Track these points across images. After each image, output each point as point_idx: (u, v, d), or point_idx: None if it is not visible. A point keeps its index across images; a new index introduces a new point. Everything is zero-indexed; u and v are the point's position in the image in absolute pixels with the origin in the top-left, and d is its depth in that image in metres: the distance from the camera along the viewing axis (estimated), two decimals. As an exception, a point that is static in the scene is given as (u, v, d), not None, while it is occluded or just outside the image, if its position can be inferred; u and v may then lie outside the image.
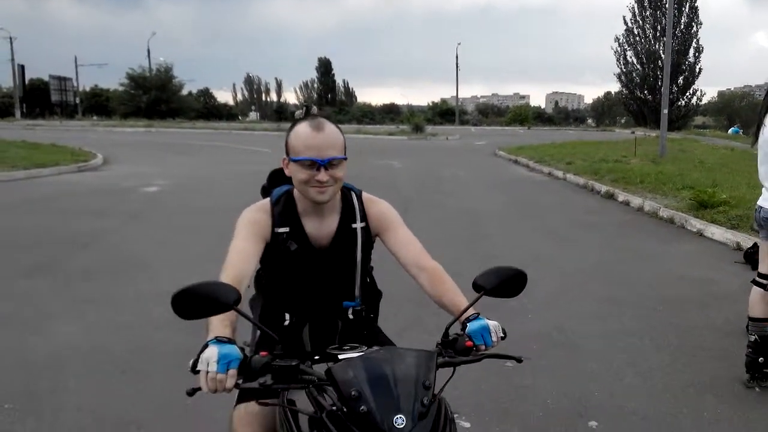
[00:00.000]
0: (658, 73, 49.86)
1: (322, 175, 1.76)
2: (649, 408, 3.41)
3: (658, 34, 48.67)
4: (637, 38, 50.19)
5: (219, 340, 1.44)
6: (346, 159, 1.81)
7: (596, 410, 3.38)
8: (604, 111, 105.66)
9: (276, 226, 1.87)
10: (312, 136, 1.76)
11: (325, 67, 79.92)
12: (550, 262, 6.54)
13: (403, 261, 1.94)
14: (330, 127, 1.80)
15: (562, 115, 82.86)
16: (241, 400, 1.88)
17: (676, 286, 5.78)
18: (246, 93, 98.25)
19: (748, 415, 3.34)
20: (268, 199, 1.94)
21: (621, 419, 3.30)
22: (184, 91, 49.33)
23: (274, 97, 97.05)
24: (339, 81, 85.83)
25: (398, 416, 1.27)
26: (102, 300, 5.16)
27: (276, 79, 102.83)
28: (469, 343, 1.57)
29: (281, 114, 52.68)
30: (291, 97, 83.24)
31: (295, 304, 1.96)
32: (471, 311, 1.66)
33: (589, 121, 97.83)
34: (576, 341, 4.40)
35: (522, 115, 55.21)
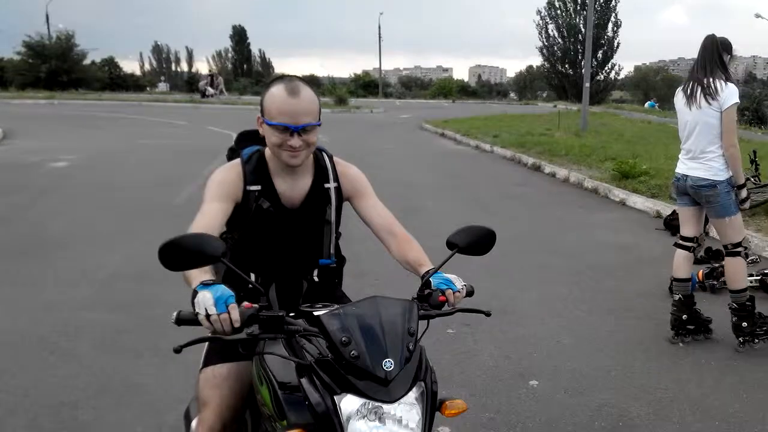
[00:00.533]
0: (579, 47, 51.70)
1: (295, 141, 1.81)
2: (585, 366, 3.69)
3: (578, 7, 50.25)
4: (559, 11, 51.66)
5: (206, 284, 1.49)
6: (320, 125, 1.87)
7: (536, 370, 3.63)
8: (527, 85, 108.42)
9: (247, 183, 1.91)
10: (287, 102, 1.79)
11: (239, 36, 77.58)
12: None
13: (375, 226, 2.06)
14: (306, 92, 1.83)
15: (485, 88, 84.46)
16: (207, 362, 1.93)
17: (603, 252, 6.17)
18: (154, 62, 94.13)
19: (674, 368, 3.67)
20: (239, 159, 1.97)
21: (559, 377, 3.55)
22: (87, 61, 46.75)
23: (184, 66, 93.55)
24: (255, 50, 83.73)
25: (387, 360, 1.37)
26: (22, 281, 4.97)
27: (187, 47, 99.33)
28: (442, 297, 1.69)
29: (192, 85, 50.90)
30: (203, 67, 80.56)
31: (263, 264, 2.00)
32: (427, 269, 1.81)
33: (512, 95, 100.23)
34: (513, 307, 4.64)
35: (446, 88, 55.79)
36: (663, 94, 78.64)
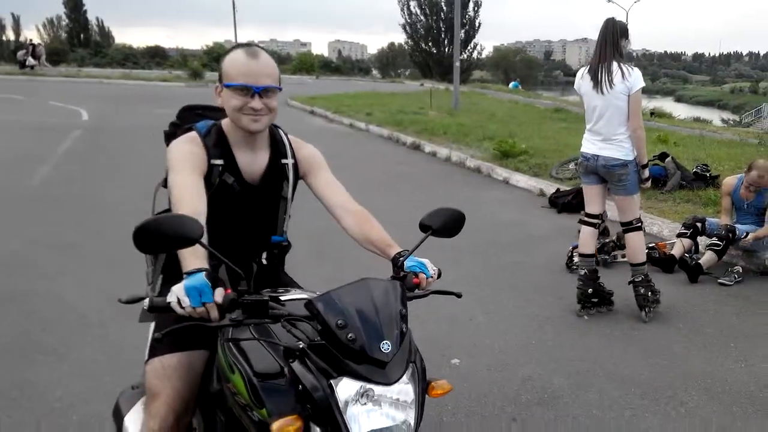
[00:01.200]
0: (441, 25, 53.48)
1: (256, 102, 1.83)
2: (502, 342, 3.89)
3: (439, -16, 51.78)
4: (420, -12, 52.94)
5: (189, 273, 1.51)
6: (281, 89, 1.90)
7: (456, 349, 3.77)
8: (389, 62, 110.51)
9: (211, 157, 1.89)
10: (247, 63, 1.83)
11: (74, 2, 71.77)
12: (375, 215, 6.87)
13: (329, 203, 2.07)
14: (265, 56, 1.87)
15: (348, 65, 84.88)
16: (154, 353, 1.86)
17: (498, 229, 6.49)
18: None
19: (585, 340, 3.97)
20: (194, 132, 1.92)
21: (479, 354, 3.72)
22: None
23: (11, 35, 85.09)
24: (92, 18, 77.91)
25: (384, 341, 1.40)
26: None
27: (12, 14, 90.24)
28: (416, 280, 1.76)
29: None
30: (33, 36, 73.59)
31: (217, 244, 1.91)
32: (398, 251, 1.89)
33: (374, 72, 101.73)
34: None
35: (307, 63, 55.41)
36: (523, 75, 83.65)
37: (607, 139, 4.10)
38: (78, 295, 4.37)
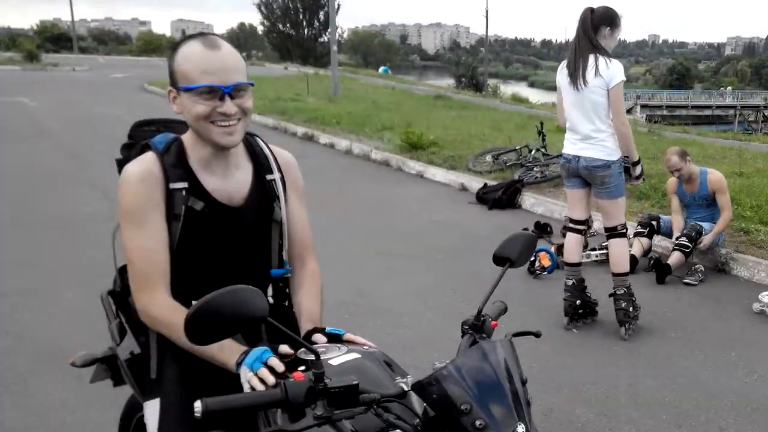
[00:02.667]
0: (299, 5, 52.67)
1: (229, 106, 1.51)
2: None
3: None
4: (274, -34, 51.89)
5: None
6: (253, 84, 1.59)
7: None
8: (241, 43, 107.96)
9: (170, 181, 1.58)
10: (208, 57, 1.50)
11: None
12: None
13: (290, 238, 1.78)
14: (227, 46, 1.55)
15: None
16: None
17: (434, 231, 6.21)
18: None
19: (585, 358, 3.75)
20: (150, 152, 1.61)
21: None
22: None
23: None
24: None
25: (518, 424, 1.19)
26: None
27: None
28: (494, 323, 1.56)
29: None
30: None
31: (206, 289, 1.52)
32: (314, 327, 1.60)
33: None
34: (387, 304, 4.39)
35: (153, 44, 52.47)
36: (381, 58, 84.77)
37: (587, 138, 3.87)
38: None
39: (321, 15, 53.73)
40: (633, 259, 5.05)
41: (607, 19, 3.86)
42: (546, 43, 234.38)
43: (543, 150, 8.20)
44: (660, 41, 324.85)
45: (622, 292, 4.02)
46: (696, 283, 4.86)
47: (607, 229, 4.14)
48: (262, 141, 1.78)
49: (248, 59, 61.92)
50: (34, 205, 6.79)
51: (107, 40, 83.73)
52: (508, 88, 44.78)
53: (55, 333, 3.88)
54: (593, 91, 3.79)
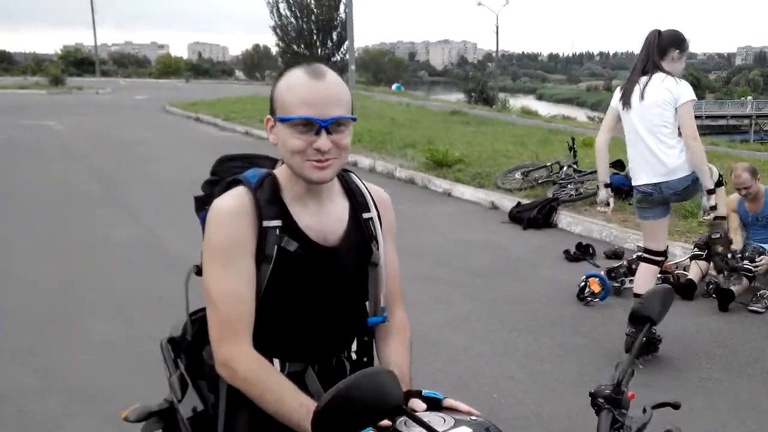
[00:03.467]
0: (312, 27, 52.85)
1: (323, 142, 1.36)
2: (565, 409, 3.21)
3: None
4: (289, -10, 52.22)
5: None
6: (354, 120, 1.43)
7: (509, 421, 3.06)
8: (255, 63, 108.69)
9: (264, 218, 1.41)
10: (310, 87, 1.36)
11: None
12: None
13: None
14: (332, 76, 1.40)
15: (217, 67, 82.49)
16: None
17: (469, 253, 5.86)
18: None
19: (646, 396, 3.36)
20: (241, 186, 1.44)
21: (546, 426, 3.04)
22: None
23: None
24: None
25: None
26: None
27: None
28: (631, 394, 1.40)
29: None
30: None
31: (292, 340, 1.50)
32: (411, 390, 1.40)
33: (238, 73, 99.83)
34: (433, 337, 4.04)
35: (172, 66, 52.88)
36: (392, 76, 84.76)
37: (656, 163, 3.57)
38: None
39: (334, 35, 53.98)
40: (691, 285, 4.67)
41: (676, 41, 3.62)
42: (553, 57, 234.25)
43: (575, 166, 7.85)
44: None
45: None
46: (763, 310, 4.45)
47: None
48: (357, 177, 1.60)
49: (262, 79, 62.20)
50: (63, 227, 6.58)
51: (127, 63, 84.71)
52: (517, 102, 44.53)
53: (86, 370, 3.60)
54: (654, 107, 3.52)
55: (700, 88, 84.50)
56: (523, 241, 6.25)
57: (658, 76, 3.53)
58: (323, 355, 1.53)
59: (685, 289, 4.65)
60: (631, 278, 4.87)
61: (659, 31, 3.61)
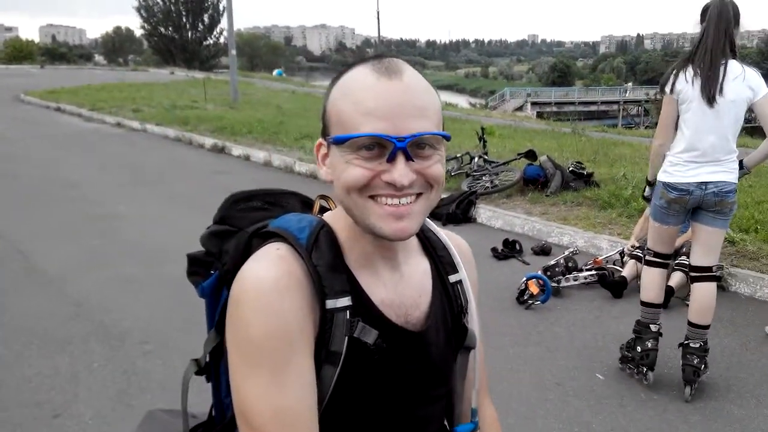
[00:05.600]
0: (181, 8, 50.73)
1: (401, 171, 0.92)
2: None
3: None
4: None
5: None
6: (448, 139, 0.97)
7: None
8: (116, 47, 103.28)
9: (328, 295, 0.95)
10: (379, 90, 0.92)
11: None
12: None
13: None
14: (413, 75, 0.96)
15: (75, 52, 77.60)
16: None
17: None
18: None
19: (630, 419, 3.21)
20: (280, 245, 0.97)
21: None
22: None
23: None
24: None
25: None
26: None
27: None
28: None
29: None
30: None
31: None
32: None
33: (98, 58, 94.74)
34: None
35: (24, 50, 48.95)
36: (268, 61, 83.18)
37: (718, 161, 3.22)
38: None
39: (205, 18, 52.04)
40: (623, 282, 4.60)
41: (739, 15, 3.18)
42: (431, 44, 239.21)
43: (485, 157, 7.74)
44: (539, 40, 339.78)
45: (698, 345, 3.35)
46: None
47: (699, 269, 3.37)
48: (430, 222, 1.15)
49: (126, 64, 58.74)
50: None
51: (-36, 46, 77.66)
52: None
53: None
54: (737, 104, 3.13)
55: (570, 75, 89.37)
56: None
57: (736, 64, 3.11)
58: None
59: (616, 286, 4.58)
60: (568, 276, 4.78)
61: (732, 2, 3.14)
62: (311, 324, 0.93)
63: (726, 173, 3.21)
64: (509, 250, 5.52)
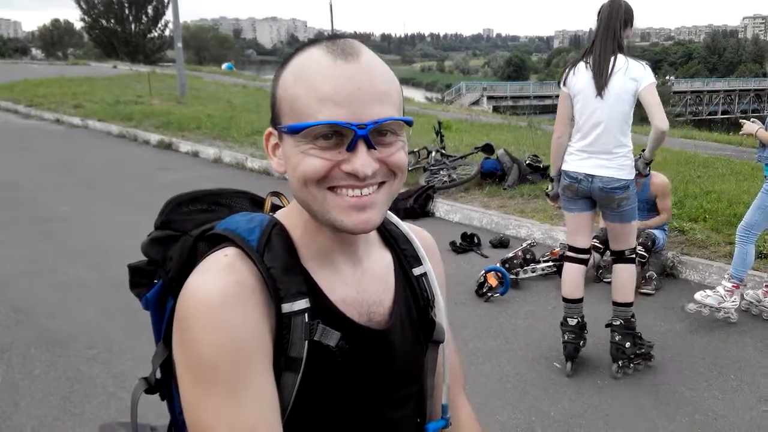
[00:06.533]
0: (123, 0, 49.88)
1: (362, 161, 0.87)
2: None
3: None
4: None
5: None
6: (410, 124, 0.92)
7: None
8: (54, 41, 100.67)
9: (283, 299, 0.90)
10: (336, 74, 0.87)
11: None
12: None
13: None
14: (370, 56, 0.91)
15: (9, 45, 75.36)
16: None
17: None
18: None
19: (578, 402, 3.29)
20: (230, 249, 0.92)
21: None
22: None
23: None
24: None
25: None
26: None
27: None
28: None
29: None
30: None
31: None
32: None
33: (35, 52, 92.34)
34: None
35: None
36: (216, 54, 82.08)
37: (605, 153, 3.38)
38: None
39: (149, 9, 51.22)
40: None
41: (631, 15, 3.38)
42: (386, 37, 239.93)
43: (443, 151, 7.80)
44: (494, 35, 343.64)
45: (619, 323, 3.53)
46: (653, 292, 4.61)
47: (614, 253, 3.65)
48: (391, 213, 1.10)
49: (65, 58, 57.19)
50: None
51: None
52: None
53: None
54: (621, 98, 3.30)
55: (525, 69, 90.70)
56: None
57: (622, 59, 3.29)
58: None
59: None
60: (526, 268, 4.86)
61: (622, 2, 3.33)
62: (268, 332, 0.89)
63: (613, 169, 3.40)
64: (467, 243, 5.58)
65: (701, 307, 4.16)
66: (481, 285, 4.51)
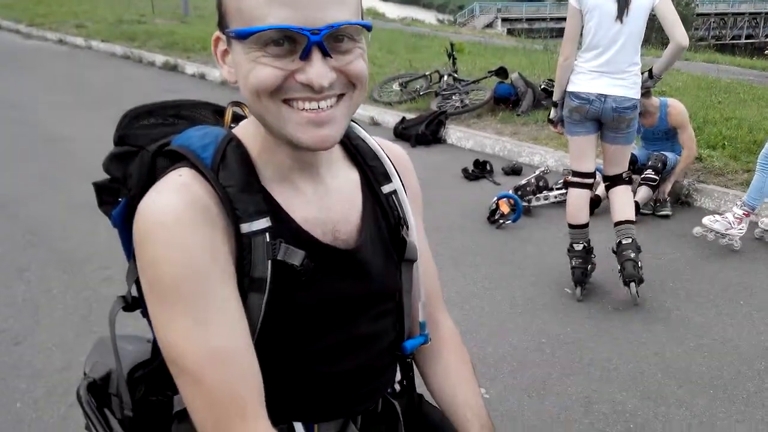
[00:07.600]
0: None
1: (318, 69, 0.82)
2: (518, 358, 3.15)
3: None
4: None
5: None
6: (369, 29, 0.87)
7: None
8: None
9: (241, 219, 0.88)
10: None
11: None
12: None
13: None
14: None
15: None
16: None
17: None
18: None
19: (588, 326, 3.39)
20: (184, 168, 0.90)
21: (503, 384, 2.95)
22: None
23: None
24: None
25: None
26: None
27: None
28: None
29: None
30: None
31: (314, 393, 1.02)
32: None
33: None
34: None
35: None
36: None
37: (619, 72, 3.35)
38: None
39: None
40: (597, 200, 4.72)
41: None
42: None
43: (455, 75, 7.73)
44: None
45: (630, 240, 3.53)
46: (671, 213, 4.69)
47: (610, 178, 3.67)
48: (360, 128, 1.09)
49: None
50: None
51: None
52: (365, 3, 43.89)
53: None
54: (640, 15, 3.28)
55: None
56: (415, 160, 6.00)
57: None
58: (363, 403, 1.09)
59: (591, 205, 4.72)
60: (539, 195, 4.90)
61: None
62: (228, 253, 0.87)
63: (626, 88, 3.38)
64: (480, 170, 5.61)
65: (707, 232, 4.22)
66: (493, 212, 4.57)
